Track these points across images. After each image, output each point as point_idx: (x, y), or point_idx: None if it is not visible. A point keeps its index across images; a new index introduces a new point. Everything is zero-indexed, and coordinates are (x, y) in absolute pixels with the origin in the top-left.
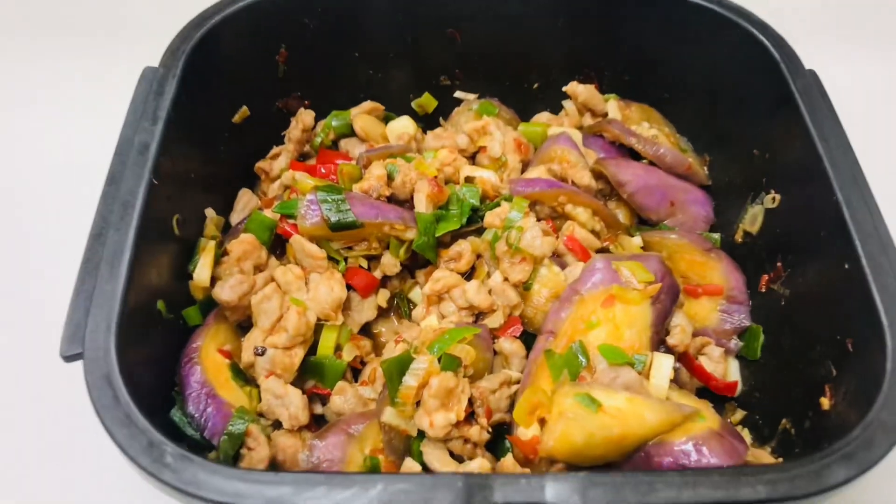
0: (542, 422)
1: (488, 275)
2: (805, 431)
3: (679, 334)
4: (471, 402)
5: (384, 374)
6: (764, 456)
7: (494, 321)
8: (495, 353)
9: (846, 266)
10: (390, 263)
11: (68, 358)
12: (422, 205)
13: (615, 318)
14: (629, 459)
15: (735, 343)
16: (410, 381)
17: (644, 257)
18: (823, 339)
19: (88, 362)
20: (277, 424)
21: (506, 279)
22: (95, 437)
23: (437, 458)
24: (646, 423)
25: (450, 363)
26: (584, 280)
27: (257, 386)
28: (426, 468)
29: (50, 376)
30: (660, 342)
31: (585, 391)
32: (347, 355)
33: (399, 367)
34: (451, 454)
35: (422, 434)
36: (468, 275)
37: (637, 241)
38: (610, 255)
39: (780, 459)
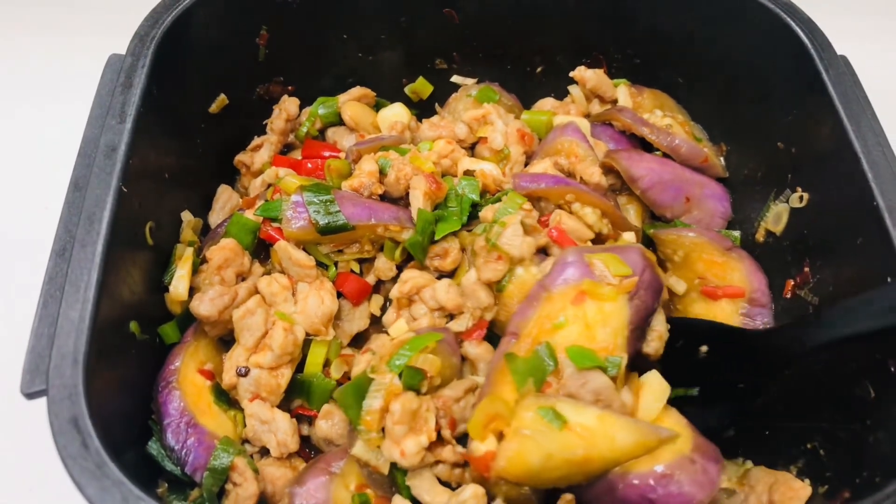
0: (502, 436)
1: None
2: (839, 456)
3: (656, 341)
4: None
5: (339, 404)
6: (791, 478)
7: (461, 324)
8: (464, 359)
9: (889, 280)
10: (385, 267)
11: (30, 395)
12: (418, 203)
13: (586, 316)
14: (591, 487)
15: None
16: (372, 405)
17: (621, 249)
18: (859, 355)
19: (53, 403)
20: (265, 450)
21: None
22: (64, 483)
23: (426, 491)
24: (616, 446)
25: (412, 377)
26: (553, 276)
27: (242, 409)
28: (417, 502)
29: (11, 413)
30: (639, 342)
31: (550, 405)
32: (336, 372)
33: (356, 393)
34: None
35: None
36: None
37: (629, 236)
38: (583, 248)
39: (807, 481)
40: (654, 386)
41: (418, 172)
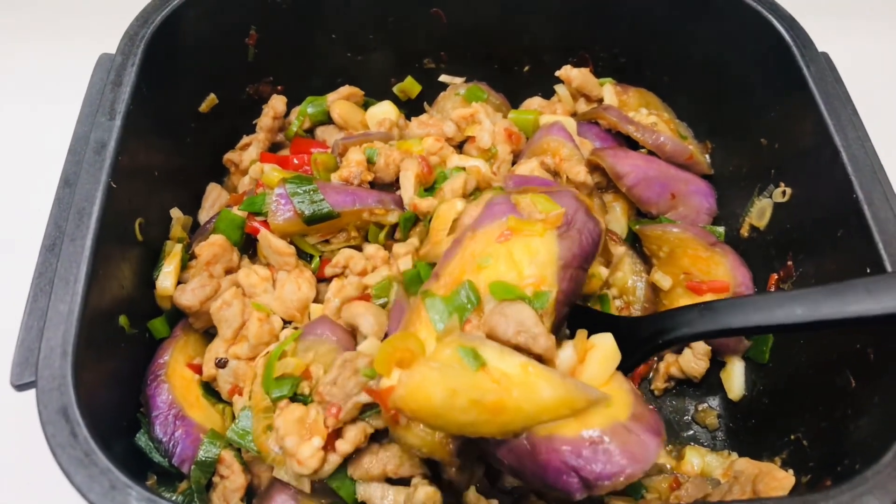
0: None
1: None
2: (820, 445)
3: None
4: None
5: (237, 441)
6: (774, 469)
7: (374, 277)
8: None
9: (868, 271)
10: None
11: (20, 387)
12: (410, 183)
13: (512, 253)
14: (511, 448)
15: (742, 343)
16: (256, 430)
17: (554, 192)
18: (840, 346)
19: (42, 393)
20: None
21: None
22: (53, 473)
23: (379, 498)
24: (535, 398)
25: (281, 387)
26: (480, 218)
27: (230, 403)
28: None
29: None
30: (575, 284)
31: (473, 345)
32: None
33: (245, 423)
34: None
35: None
36: None
37: None
38: (512, 190)
39: (791, 471)
40: (605, 349)
41: (408, 155)
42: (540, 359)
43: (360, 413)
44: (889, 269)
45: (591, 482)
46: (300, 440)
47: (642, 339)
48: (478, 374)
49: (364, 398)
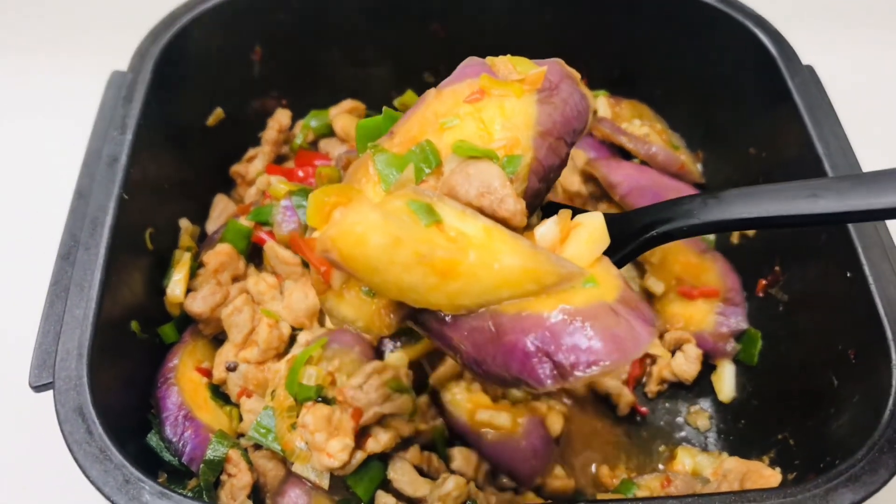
0: None
1: None
2: (806, 444)
3: None
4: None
5: (258, 439)
6: (762, 467)
7: None
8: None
9: (848, 274)
10: None
11: (38, 388)
12: None
13: (482, 114)
14: (469, 325)
15: (732, 346)
16: (280, 429)
17: (540, 62)
18: (824, 347)
19: (59, 393)
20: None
21: None
22: (68, 470)
23: (407, 483)
24: (496, 266)
25: (305, 392)
26: (449, 79)
27: (238, 405)
28: (399, 495)
29: (18, 406)
30: (557, 161)
31: (429, 201)
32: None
33: (268, 423)
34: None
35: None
36: None
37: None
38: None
39: (778, 469)
40: (593, 227)
41: None
42: (507, 225)
43: (378, 421)
44: (868, 274)
45: (565, 368)
46: (329, 436)
47: (636, 230)
48: (430, 228)
49: (386, 409)
